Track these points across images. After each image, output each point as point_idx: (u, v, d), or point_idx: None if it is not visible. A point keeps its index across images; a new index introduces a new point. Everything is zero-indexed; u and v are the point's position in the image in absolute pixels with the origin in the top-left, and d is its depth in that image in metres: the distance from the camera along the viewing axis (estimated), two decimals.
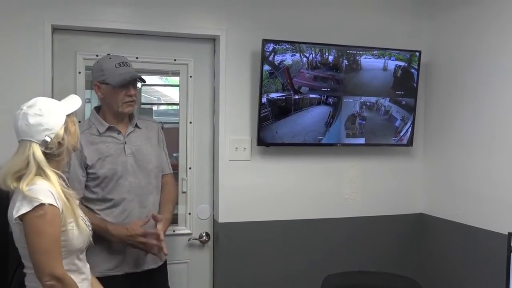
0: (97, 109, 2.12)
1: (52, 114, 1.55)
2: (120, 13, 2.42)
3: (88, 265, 1.70)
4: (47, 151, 1.55)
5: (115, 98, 2.02)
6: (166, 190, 2.21)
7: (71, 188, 1.65)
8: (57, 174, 1.56)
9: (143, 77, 2.11)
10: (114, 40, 2.47)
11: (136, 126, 2.14)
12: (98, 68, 2.05)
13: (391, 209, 2.88)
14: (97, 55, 2.40)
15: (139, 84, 2.12)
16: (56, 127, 1.54)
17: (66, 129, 1.58)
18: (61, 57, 2.40)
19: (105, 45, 2.45)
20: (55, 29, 2.37)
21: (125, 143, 2.07)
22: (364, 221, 2.83)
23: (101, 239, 1.97)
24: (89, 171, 2.01)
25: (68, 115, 1.60)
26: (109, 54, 2.12)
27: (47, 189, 1.50)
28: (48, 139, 1.54)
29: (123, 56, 2.08)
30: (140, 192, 2.06)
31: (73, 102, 1.65)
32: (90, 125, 2.07)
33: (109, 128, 2.06)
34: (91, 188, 2.04)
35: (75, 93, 2.19)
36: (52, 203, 1.48)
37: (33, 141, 1.52)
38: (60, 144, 1.56)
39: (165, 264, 2.23)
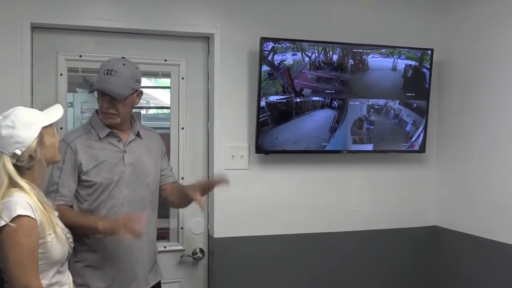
0: (97, 112, 2.15)
1: (24, 127, 1.61)
2: (106, 9, 2.43)
3: (70, 276, 1.77)
4: (18, 163, 1.61)
5: (99, 106, 2.08)
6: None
7: (54, 197, 1.79)
8: (30, 184, 1.62)
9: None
10: (99, 39, 2.48)
11: (138, 135, 2.16)
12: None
13: (402, 221, 2.89)
14: (80, 56, 2.45)
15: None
16: (28, 140, 1.61)
17: (40, 142, 1.64)
18: (41, 57, 2.41)
19: (89, 45, 2.47)
20: (35, 28, 2.38)
21: (125, 152, 2.10)
22: (372, 235, 2.84)
23: (90, 259, 2.04)
24: (83, 178, 2.04)
25: (45, 127, 1.65)
26: (122, 57, 2.14)
27: (24, 201, 1.57)
28: (19, 152, 1.60)
29: (123, 64, 2.06)
30: (134, 206, 2.07)
31: (53, 114, 1.71)
32: (89, 129, 2.10)
33: (110, 134, 2.09)
34: (83, 197, 2.06)
35: (56, 97, 2.39)
36: (29, 214, 1.56)
37: (4, 153, 1.60)
38: (31, 157, 1.62)
39: (158, 285, 2.25)
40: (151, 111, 2.98)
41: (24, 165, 1.61)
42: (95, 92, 2.08)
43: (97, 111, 2.16)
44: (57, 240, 1.64)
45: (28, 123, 1.62)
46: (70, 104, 2.49)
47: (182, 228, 2.65)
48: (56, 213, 1.72)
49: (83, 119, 2.56)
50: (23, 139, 1.60)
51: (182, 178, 2.63)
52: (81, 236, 1.99)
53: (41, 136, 1.63)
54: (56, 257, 1.65)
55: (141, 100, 2.22)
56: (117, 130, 2.11)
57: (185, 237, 2.66)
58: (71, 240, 1.74)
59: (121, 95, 2.03)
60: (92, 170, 2.04)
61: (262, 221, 2.65)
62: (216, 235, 2.60)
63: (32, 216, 1.56)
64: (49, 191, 2.01)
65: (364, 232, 2.82)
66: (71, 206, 2.06)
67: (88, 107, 2.53)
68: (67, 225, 1.85)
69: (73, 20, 2.37)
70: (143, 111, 2.88)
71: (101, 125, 2.09)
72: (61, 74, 2.43)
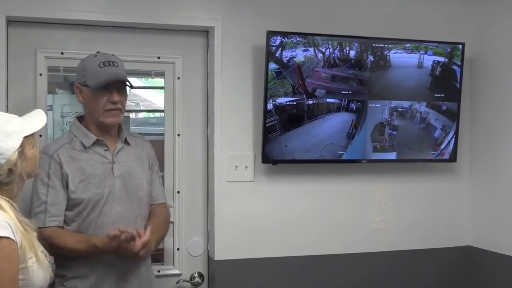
0: (80, 119, 2.15)
1: (5, 136, 1.59)
2: (91, 1, 2.43)
3: None
4: None
5: (95, 104, 2.05)
6: (159, 218, 2.21)
7: (44, 219, 1.86)
8: (8, 202, 1.60)
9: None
10: (83, 34, 2.48)
11: (126, 142, 2.16)
12: (81, 67, 2.10)
13: (431, 241, 2.86)
14: (62, 53, 2.44)
15: (128, 90, 2.16)
16: (8, 152, 1.59)
17: (21, 153, 1.62)
18: (18, 55, 2.41)
19: (72, 41, 2.47)
20: (11, 22, 2.37)
21: (114, 163, 2.10)
22: (396, 257, 2.81)
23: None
24: (70, 196, 2.03)
25: (26, 137, 1.64)
26: (98, 52, 2.17)
27: (3, 220, 1.54)
28: None
29: (112, 55, 2.13)
30: (127, 225, 2.05)
31: (35, 121, 1.71)
32: (71, 138, 2.09)
33: (96, 142, 2.08)
34: (70, 218, 2.05)
35: (35, 100, 2.40)
36: (9, 236, 1.52)
37: None
38: (11, 171, 1.60)
39: None
40: (141, 115, 3.00)
41: (2, 179, 1.59)
42: (81, 89, 2.06)
43: (78, 117, 2.15)
44: (39, 265, 1.61)
45: (10, 132, 1.60)
46: (49, 107, 2.48)
47: (178, 249, 2.63)
48: (35, 234, 1.69)
49: (63, 124, 2.55)
50: (4, 150, 1.57)
51: (178, 192, 2.62)
52: (77, 257, 2.00)
53: (22, 146, 1.62)
54: (38, 285, 1.62)
55: (129, 102, 2.30)
56: (105, 136, 2.09)
57: (182, 260, 2.63)
58: (52, 263, 1.75)
59: (130, 83, 2.07)
60: (79, 186, 2.03)
61: (270, 241, 2.63)
62: (217, 257, 2.57)
63: (12, 237, 1.52)
64: (36, 212, 2.01)
65: (386, 253, 2.79)
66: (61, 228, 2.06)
67: (69, 111, 2.52)
68: (64, 249, 1.92)
69: (54, 13, 2.36)
70: (132, 115, 2.91)
71: (85, 133, 2.08)
72: (41, 74, 2.42)
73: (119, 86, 2.06)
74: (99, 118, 2.05)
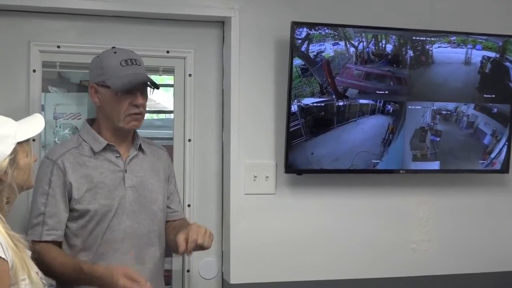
0: (90, 121, 2.14)
1: None
2: None
3: None
4: None
5: (117, 107, 2.03)
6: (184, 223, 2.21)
7: (40, 231, 1.89)
8: None
9: None
10: (82, 26, 2.47)
11: (140, 149, 2.14)
12: (98, 64, 2.08)
13: (479, 264, 2.81)
14: (58, 47, 2.42)
15: (150, 91, 2.15)
16: None
17: (13, 161, 1.60)
18: (9, 49, 2.41)
19: (70, 33, 2.46)
20: (1, 11, 2.37)
21: (126, 172, 2.08)
22: (438, 282, 2.76)
23: None
24: (74, 205, 2.02)
25: (20, 143, 1.62)
26: (114, 47, 2.15)
27: None
28: None
29: (132, 52, 2.12)
30: (138, 242, 2.05)
31: (31, 126, 1.70)
32: (79, 142, 2.08)
33: (107, 147, 2.06)
34: (73, 231, 2.03)
35: (28, 99, 2.40)
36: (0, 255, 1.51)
37: None
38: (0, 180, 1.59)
39: None
40: (146, 116, 2.94)
41: None
42: (97, 90, 2.05)
43: (88, 120, 2.14)
44: (32, 286, 1.59)
45: (1, 136, 1.59)
46: (41, 107, 2.47)
47: (188, 271, 2.60)
48: (29, 253, 1.67)
49: (56, 126, 2.55)
50: None
51: (189, 205, 2.58)
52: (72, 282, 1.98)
53: (14, 153, 1.60)
54: None
55: None
56: (118, 141, 2.07)
57: (192, 283, 2.61)
58: (47, 287, 1.71)
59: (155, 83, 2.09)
60: (85, 195, 2.01)
61: (293, 262, 2.59)
62: (233, 280, 2.54)
63: (3, 256, 1.50)
64: (33, 223, 2.00)
65: (427, 278, 2.74)
66: (60, 244, 2.03)
67: (63, 112, 2.53)
68: (56, 271, 1.91)
69: (50, 2, 2.35)
70: None
71: (96, 137, 2.06)
72: (34, 70, 2.40)
73: (142, 88, 2.05)
74: (119, 123, 2.03)
